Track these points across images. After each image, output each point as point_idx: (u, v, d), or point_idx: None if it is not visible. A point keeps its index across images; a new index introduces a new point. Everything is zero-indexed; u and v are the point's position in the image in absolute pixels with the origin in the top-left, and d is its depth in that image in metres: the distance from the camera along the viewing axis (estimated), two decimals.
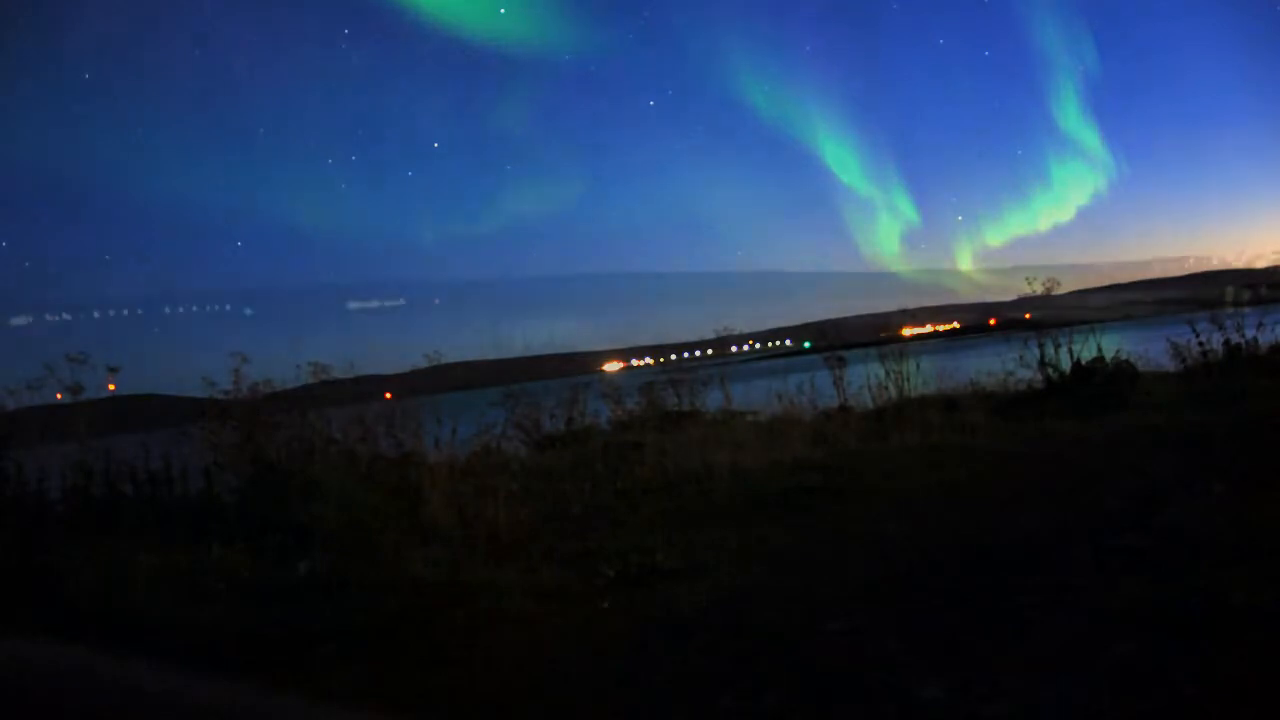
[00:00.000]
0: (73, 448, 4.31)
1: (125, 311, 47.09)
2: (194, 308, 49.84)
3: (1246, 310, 9.55)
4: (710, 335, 12.55)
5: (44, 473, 4.21)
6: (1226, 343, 8.41)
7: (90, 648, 0.88)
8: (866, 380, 8.24)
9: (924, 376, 8.13)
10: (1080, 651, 2.21)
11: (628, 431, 8.40)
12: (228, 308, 53.57)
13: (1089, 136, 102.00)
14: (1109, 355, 8.00)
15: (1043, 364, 7.79)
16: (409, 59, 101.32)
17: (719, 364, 12.11)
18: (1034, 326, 8.23)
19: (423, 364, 10.16)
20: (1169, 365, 8.67)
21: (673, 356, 12.33)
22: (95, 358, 4.63)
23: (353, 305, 59.63)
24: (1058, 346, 7.80)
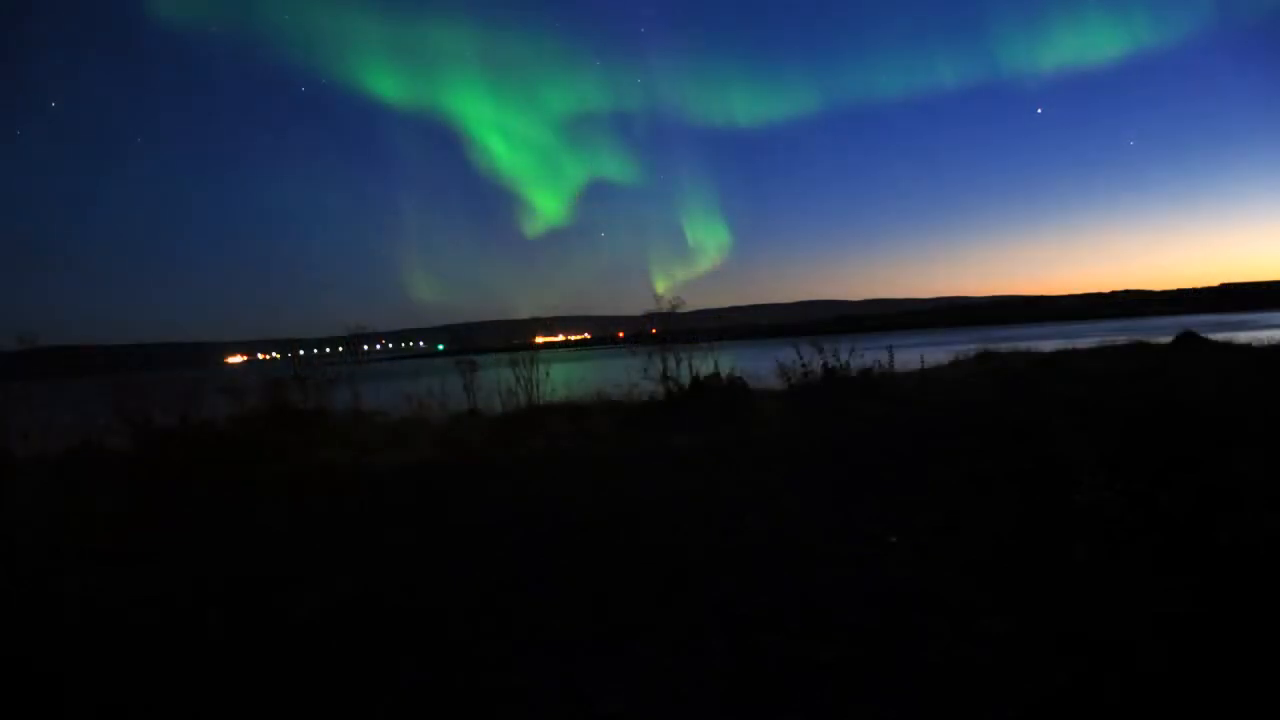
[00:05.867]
0: None
1: None
2: None
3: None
4: (342, 332, 10.88)
5: None
6: (824, 365, 9.45)
7: None
8: (498, 385, 7.63)
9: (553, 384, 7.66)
10: None
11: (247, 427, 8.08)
12: None
13: None
14: (724, 372, 8.32)
15: (664, 378, 7.74)
16: None
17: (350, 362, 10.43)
18: (659, 341, 8.24)
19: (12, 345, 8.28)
20: (776, 383, 9.47)
21: (301, 353, 10.29)
22: None
23: None
24: (679, 361, 7.84)
